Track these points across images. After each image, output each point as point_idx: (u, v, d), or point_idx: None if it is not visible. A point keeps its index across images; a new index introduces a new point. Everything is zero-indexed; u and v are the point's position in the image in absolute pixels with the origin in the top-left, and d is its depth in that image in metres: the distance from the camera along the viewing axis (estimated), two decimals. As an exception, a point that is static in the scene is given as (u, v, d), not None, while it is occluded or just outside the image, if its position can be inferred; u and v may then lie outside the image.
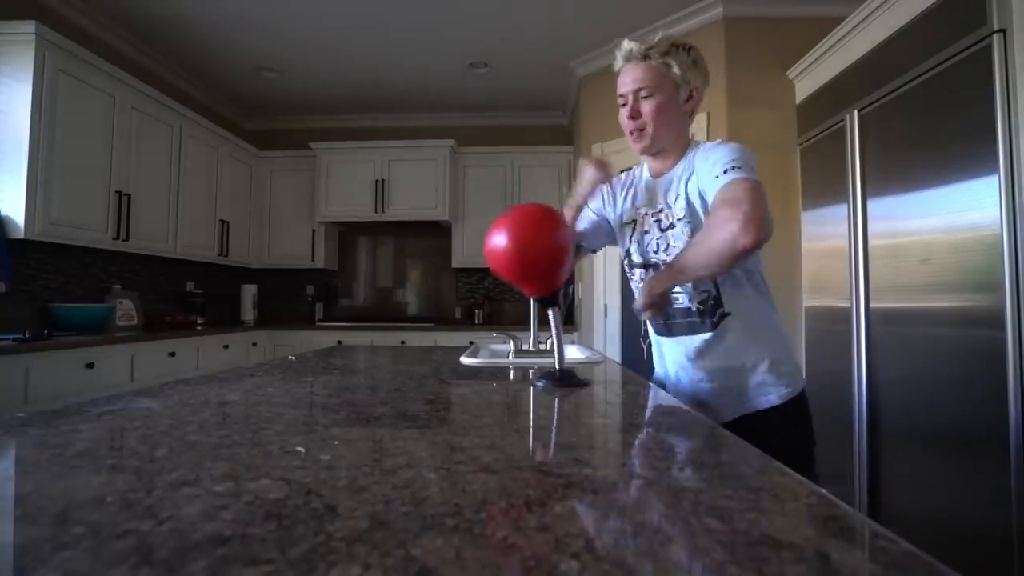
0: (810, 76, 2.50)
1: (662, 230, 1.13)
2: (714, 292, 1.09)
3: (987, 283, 1.47)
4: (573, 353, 1.70)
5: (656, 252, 1.15)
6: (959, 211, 1.57)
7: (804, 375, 1.16)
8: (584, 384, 1.02)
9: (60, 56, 2.50)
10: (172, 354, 2.94)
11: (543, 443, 0.64)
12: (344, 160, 4.26)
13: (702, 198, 1.04)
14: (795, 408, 1.09)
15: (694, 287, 1.10)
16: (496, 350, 1.83)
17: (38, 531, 0.35)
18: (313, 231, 4.36)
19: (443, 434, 0.66)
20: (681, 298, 1.12)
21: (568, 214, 1.26)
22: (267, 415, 0.74)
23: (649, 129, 1.07)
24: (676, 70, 1.06)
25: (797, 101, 2.64)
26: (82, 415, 0.71)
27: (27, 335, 2.21)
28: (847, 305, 2.09)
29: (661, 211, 1.14)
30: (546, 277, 1.00)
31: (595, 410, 0.86)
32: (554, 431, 0.72)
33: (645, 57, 1.06)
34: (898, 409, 1.84)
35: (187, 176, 3.47)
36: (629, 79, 1.07)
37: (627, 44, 1.08)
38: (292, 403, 0.83)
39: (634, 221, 1.21)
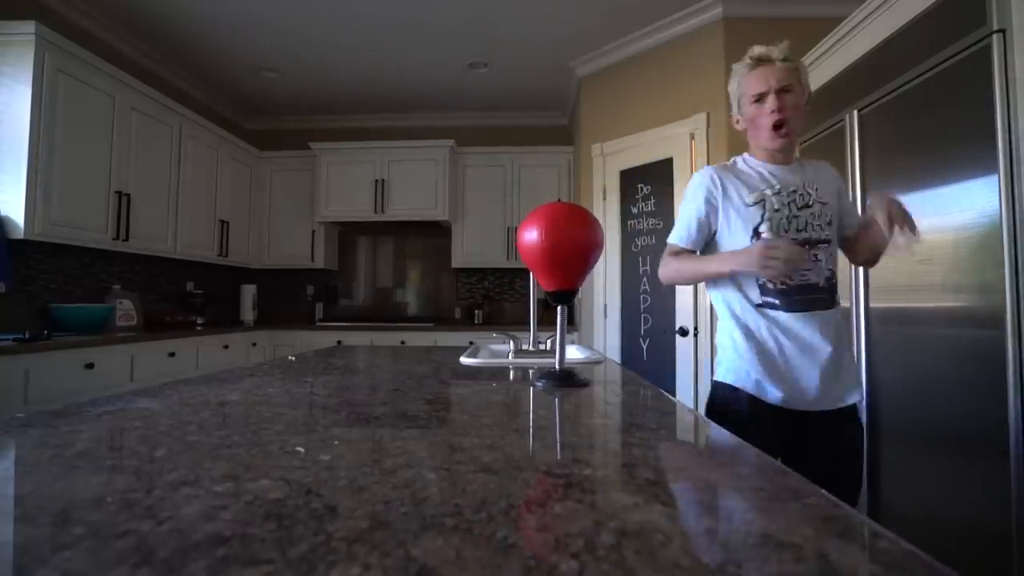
0: (810, 76, 2.50)
1: (799, 208, 1.22)
2: (833, 279, 1.22)
3: (987, 283, 1.47)
4: (573, 353, 1.70)
5: (788, 229, 1.23)
6: (959, 211, 1.57)
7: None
8: (584, 384, 1.02)
9: (60, 56, 2.50)
10: (172, 354, 2.94)
11: (543, 443, 0.64)
12: (344, 160, 4.26)
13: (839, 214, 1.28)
14: (858, 409, 1.25)
15: (825, 263, 1.21)
16: (496, 350, 1.83)
17: (38, 531, 0.35)
18: (313, 231, 4.36)
19: (443, 434, 0.66)
20: (808, 275, 1.20)
21: (705, 268, 1.30)
22: (267, 415, 0.74)
23: (792, 122, 1.19)
24: (804, 72, 1.22)
25: (797, 101, 2.64)
26: (82, 415, 0.71)
27: (27, 335, 2.21)
28: (847, 305, 2.08)
29: (795, 192, 1.24)
30: (572, 272, 1.04)
31: (595, 410, 0.86)
32: (554, 431, 0.72)
33: (785, 59, 1.18)
34: (898, 409, 1.84)
35: (187, 176, 3.47)
36: (772, 78, 1.17)
37: (762, 48, 1.20)
38: (292, 403, 0.83)
39: (762, 200, 1.26)
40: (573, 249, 1.01)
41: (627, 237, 3.32)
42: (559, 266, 1.02)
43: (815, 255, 1.20)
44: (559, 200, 1.13)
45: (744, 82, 1.23)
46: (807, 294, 1.21)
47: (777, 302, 1.22)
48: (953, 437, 1.58)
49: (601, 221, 3.34)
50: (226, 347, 3.49)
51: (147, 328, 3.14)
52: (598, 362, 1.47)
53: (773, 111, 1.17)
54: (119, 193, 2.87)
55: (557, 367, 1.05)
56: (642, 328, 3.23)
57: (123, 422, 0.68)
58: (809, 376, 1.18)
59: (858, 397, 1.22)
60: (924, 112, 1.71)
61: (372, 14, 3.08)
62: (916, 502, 1.74)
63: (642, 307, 3.19)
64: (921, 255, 1.72)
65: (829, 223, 1.23)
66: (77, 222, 2.63)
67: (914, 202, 1.75)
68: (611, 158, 3.44)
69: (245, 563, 0.31)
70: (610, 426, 0.77)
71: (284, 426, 0.67)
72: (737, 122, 1.31)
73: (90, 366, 2.37)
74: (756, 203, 1.26)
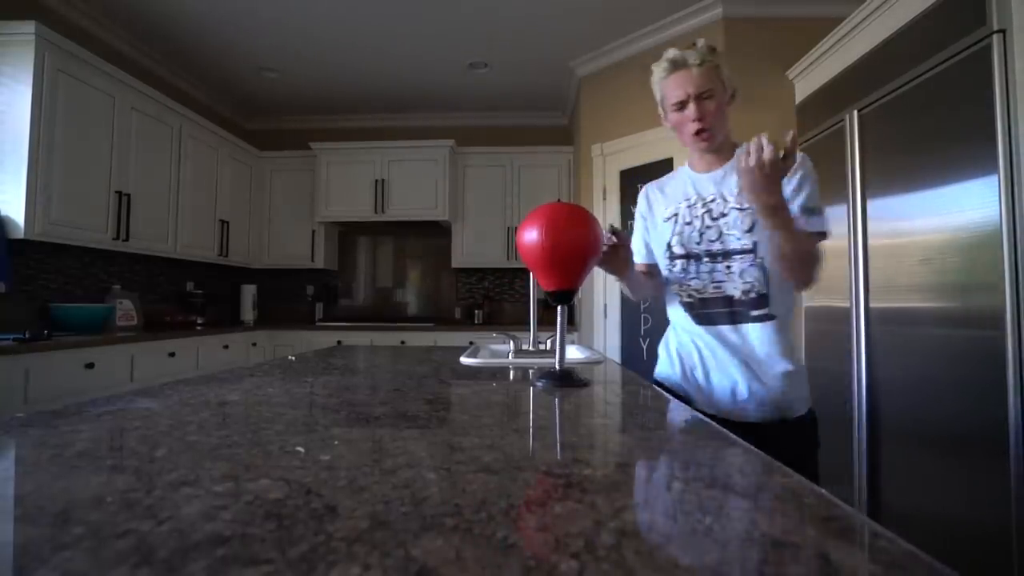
0: (810, 76, 2.50)
1: (713, 219, 1.18)
2: (763, 289, 1.13)
3: (987, 283, 1.47)
4: (573, 353, 1.70)
5: (699, 242, 1.19)
6: (959, 211, 1.57)
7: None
8: (584, 384, 1.02)
9: (60, 56, 2.50)
10: (172, 354, 2.94)
11: (543, 443, 0.64)
12: (344, 160, 4.26)
13: None
14: (812, 420, 1.16)
15: (741, 276, 1.14)
16: (496, 350, 1.83)
17: (38, 531, 0.35)
18: (313, 231, 4.36)
19: (443, 434, 0.66)
20: (725, 286, 1.16)
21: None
22: (267, 415, 0.74)
23: (715, 128, 1.15)
24: (725, 71, 1.15)
25: (797, 101, 2.64)
26: (82, 415, 0.71)
27: (27, 335, 2.21)
28: (847, 305, 2.09)
29: (712, 201, 1.19)
30: (572, 272, 1.03)
31: (595, 410, 0.86)
32: (554, 431, 0.72)
33: (701, 63, 1.12)
34: (898, 409, 1.84)
35: (187, 176, 3.47)
36: (690, 85, 1.12)
37: (677, 53, 1.14)
38: (292, 403, 0.83)
39: (675, 215, 1.25)
40: (573, 249, 1.01)
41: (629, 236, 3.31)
42: (559, 266, 1.02)
43: (727, 266, 1.15)
44: (559, 200, 1.13)
45: (663, 87, 1.18)
46: (715, 307, 1.17)
47: (690, 314, 1.22)
48: (953, 437, 1.58)
49: (601, 221, 3.34)
50: (226, 347, 3.49)
51: (147, 328, 3.14)
52: (598, 362, 1.47)
53: (694, 120, 1.14)
54: (119, 193, 2.87)
55: (557, 367, 1.05)
56: (642, 328, 3.23)
57: (123, 422, 0.68)
58: (720, 390, 1.16)
59: (771, 416, 1.11)
60: (924, 112, 1.71)
61: (372, 14, 3.08)
62: (916, 502, 1.74)
63: (642, 307, 3.19)
64: (921, 255, 1.72)
65: (751, 229, 1.13)
66: (77, 222, 2.63)
67: (914, 202, 1.76)
68: (611, 158, 3.44)
69: (245, 563, 0.31)
70: (610, 426, 0.77)
71: (284, 426, 0.67)
72: (667, 121, 1.24)
73: (90, 366, 2.37)
74: (669, 218, 1.26)
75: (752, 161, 0.97)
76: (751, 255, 1.13)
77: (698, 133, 1.15)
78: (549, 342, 1.69)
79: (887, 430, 1.89)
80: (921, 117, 1.73)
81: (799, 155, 1.10)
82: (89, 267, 3.05)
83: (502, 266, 4.34)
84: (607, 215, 3.40)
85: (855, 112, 2.06)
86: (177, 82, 3.85)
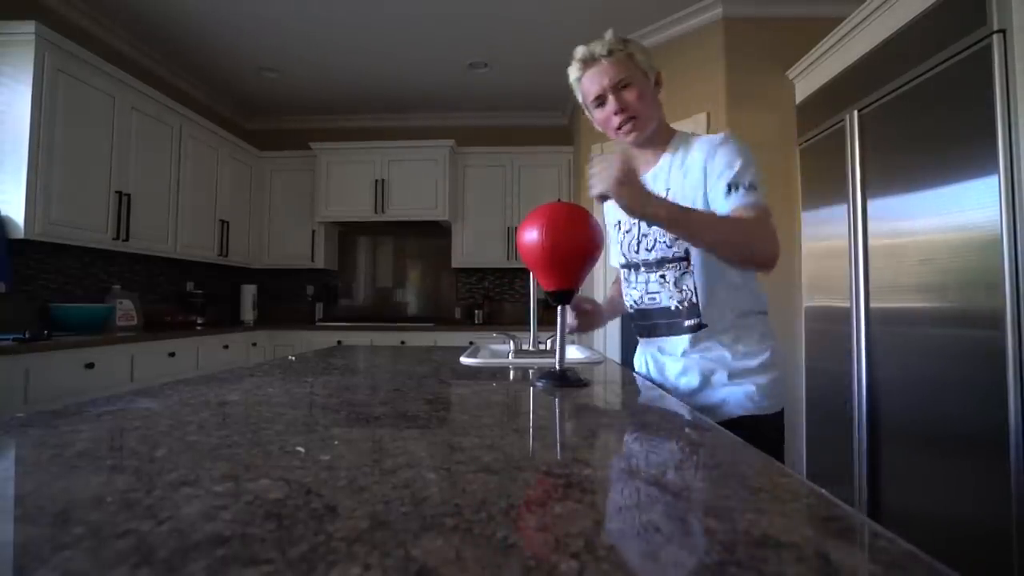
0: (810, 76, 2.50)
1: (649, 226, 1.11)
2: (693, 298, 1.08)
3: (987, 283, 1.47)
4: (573, 353, 1.70)
5: (638, 251, 1.16)
6: (959, 211, 1.57)
7: (786, 397, 1.13)
8: (584, 384, 1.02)
9: (60, 56, 2.50)
10: (172, 354, 2.94)
11: (543, 443, 0.64)
12: (344, 160, 4.26)
13: (703, 196, 1.04)
14: (763, 426, 1.05)
15: (675, 285, 1.09)
16: (496, 350, 1.83)
17: (38, 531, 0.35)
18: (313, 231, 4.36)
19: (443, 434, 0.66)
20: (660, 297, 1.13)
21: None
22: (267, 415, 0.74)
23: (640, 116, 1.08)
24: (640, 57, 1.08)
25: (797, 101, 2.64)
26: (82, 415, 0.71)
27: (27, 335, 2.21)
28: (847, 305, 2.09)
29: None
30: (572, 272, 1.03)
31: (595, 410, 0.86)
32: (554, 431, 0.72)
33: (610, 52, 1.06)
34: (898, 409, 1.84)
35: (187, 176, 3.47)
36: (604, 77, 1.06)
37: (584, 49, 1.08)
38: (292, 403, 0.83)
39: (619, 221, 1.21)
40: (573, 249, 1.01)
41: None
42: (559, 266, 1.02)
43: (662, 275, 1.11)
44: (559, 200, 1.13)
45: (580, 88, 1.12)
46: (652, 319, 1.15)
47: (633, 325, 1.21)
48: (953, 437, 1.58)
49: (601, 221, 3.33)
50: (226, 347, 3.49)
51: (147, 328, 3.14)
52: (598, 362, 1.47)
53: (615, 112, 1.07)
54: (119, 193, 2.87)
55: (557, 367, 1.05)
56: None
57: (123, 422, 0.68)
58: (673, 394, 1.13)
59: (729, 416, 1.06)
60: (924, 112, 1.71)
61: (372, 14, 3.08)
62: (916, 502, 1.74)
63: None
64: (921, 255, 1.72)
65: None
66: (77, 222, 2.63)
67: (914, 202, 1.76)
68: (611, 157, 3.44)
69: (245, 563, 0.31)
70: (610, 426, 0.77)
71: (284, 426, 0.67)
72: (595, 123, 1.18)
73: (90, 366, 2.37)
74: (615, 225, 1.23)
75: (595, 176, 0.92)
76: (684, 262, 1.08)
77: (622, 126, 1.09)
78: (549, 342, 1.69)
79: (887, 430, 1.89)
80: (921, 117, 1.73)
81: (722, 133, 1.06)
82: (89, 267, 3.05)
83: (502, 266, 4.34)
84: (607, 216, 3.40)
85: (855, 112, 2.06)
86: (177, 82, 3.85)
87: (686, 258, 1.08)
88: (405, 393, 0.94)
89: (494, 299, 4.62)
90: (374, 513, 0.39)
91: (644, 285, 1.15)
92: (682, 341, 1.10)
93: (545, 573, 0.30)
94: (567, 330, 1.15)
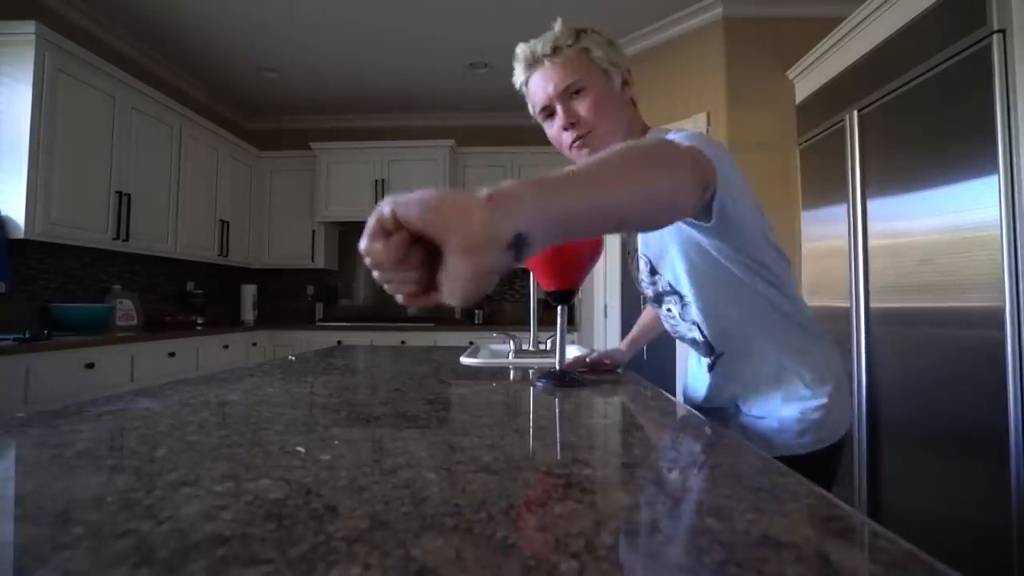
0: (810, 76, 2.50)
1: (631, 259, 0.99)
2: (704, 331, 0.94)
3: (987, 283, 1.47)
4: (573, 353, 1.70)
5: (646, 276, 0.99)
6: (959, 211, 1.57)
7: (844, 422, 0.96)
8: (583, 384, 1.02)
9: (60, 56, 2.50)
10: (172, 354, 2.94)
11: (543, 443, 0.64)
12: (344, 160, 4.26)
13: None
14: (810, 464, 0.87)
15: (682, 317, 0.93)
16: (496, 350, 1.83)
17: (38, 531, 0.35)
18: (313, 231, 4.36)
19: (443, 434, 0.66)
20: (681, 329, 0.99)
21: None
22: (267, 415, 0.74)
23: (596, 130, 0.86)
24: (598, 52, 0.87)
25: (797, 101, 2.64)
26: (82, 415, 0.71)
27: (27, 335, 2.21)
28: (847, 305, 2.09)
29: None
30: (572, 272, 1.02)
31: (595, 410, 0.86)
32: (554, 431, 0.72)
33: (555, 50, 0.86)
34: (898, 409, 1.84)
35: (187, 176, 3.47)
36: (548, 84, 0.86)
37: (524, 48, 0.89)
38: (292, 403, 0.83)
39: (634, 250, 1.05)
40: (573, 249, 1.01)
41: (629, 240, 3.32)
42: (559, 266, 1.02)
43: (668, 309, 0.98)
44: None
45: (527, 96, 0.92)
46: (690, 345, 1.03)
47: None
48: (953, 437, 1.58)
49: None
50: (226, 347, 3.49)
51: (147, 328, 3.14)
52: (598, 362, 1.47)
53: (564, 127, 0.87)
54: (119, 193, 2.87)
55: (557, 367, 1.05)
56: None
57: (123, 422, 0.68)
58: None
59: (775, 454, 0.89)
60: (924, 112, 1.71)
61: (372, 14, 3.08)
62: (916, 502, 1.74)
63: (642, 307, 3.19)
64: (921, 255, 1.72)
65: (652, 271, 0.95)
66: (77, 222, 2.63)
67: (914, 202, 1.76)
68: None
69: (245, 563, 0.31)
70: (610, 426, 0.77)
71: (284, 426, 0.67)
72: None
73: (90, 366, 2.37)
74: (631, 252, 1.06)
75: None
76: (675, 295, 0.93)
77: (573, 143, 0.87)
78: (549, 342, 1.69)
79: (887, 430, 1.89)
80: (921, 117, 1.73)
81: (687, 131, 0.79)
82: (89, 267, 3.05)
83: (502, 266, 4.34)
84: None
85: (855, 112, 2.06)
86: (177, 82, 3.85)
87: (675, 292, 0.92)
88: (405, 393, 0.94)
89: (494, 299, 4.62)
90: (374, 513, 0.39)
91: (665, 318, 1.03)
92: (713, 376, 0.98)
93: (545, 573, 0.30)
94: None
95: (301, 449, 0.56)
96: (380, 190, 4.20)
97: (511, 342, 1.64)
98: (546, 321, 4.13)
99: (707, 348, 0.96)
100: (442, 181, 4.17)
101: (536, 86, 0.88)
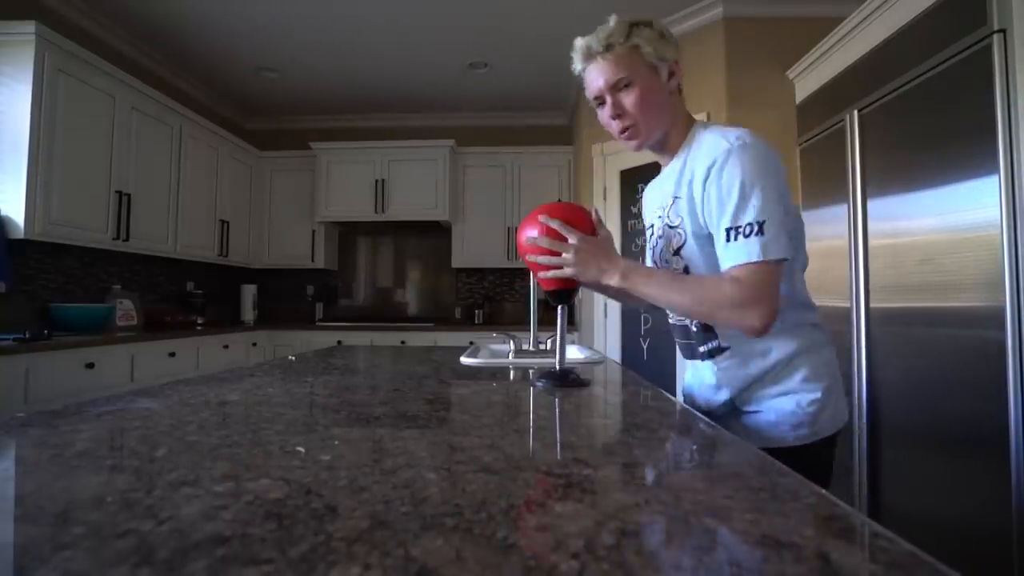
0: (810, 76, 2.50)
1: (671, 227, 1.00)
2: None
3: (987, 283, 1.47)
4: (573, 353, 1.70)
5: (662, 257, 1.05)
6: (959, 211, 1.57)
7: (839, 417, 0.97)
8: (584, 384, 1.02)
9: (60, 56, 2.50)
10: (172, 354, 2.94)
11: (543, 443, 0.64)
12: (344, 160, 4.26)
13: (700, 223, 0.93)
14: (805, 455, 0.91)
15: None
16: (496, 350, 1.83)
17: (38, 531, 0.35)
18: (313, 231, 4.36)
19: (443, 434, 0.66)
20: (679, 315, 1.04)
21: None
22: (267, 415, 0.74)
23: (640, 123, 0.96)
24: (647, 48, 0.94)
25: (797, 101, 2.64)
26: (82, 415, 0.71)
27: (27, 335, 2.21)
28: (847, 305, 2.08)
29: (665, 209, 1.03)
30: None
31: (595, 410, 0.86)
32: (554, 431, 0.72)
33: (608, 47, 0.94)
34: (898, 409, 1.84)
35: (187, 176, 3.47)
36: (600, 77, 0.96)
37: (581, 42, 0.97)
38: (292, 403, 0.83)
39: (652, 226, 1.12)
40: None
41: (628, 237, 3.32)
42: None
43: None
44: (559, 200, 1.13)
45: (584, 83, 1.01)
46: (682, 338, 1.06)
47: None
48: (953, 437, 1.58)
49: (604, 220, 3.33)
50: (226, 347, 3.49)
51: (147, 328, 3.14)
52: (598, 362, 1.47)
53: (612, 117, 0.98)
54: (119, 193, 2.87)
55: (557, 367, 1.05)
56: (642, 328, 3.23)
57: (123, 422, 0.68)
58: (702, 400, 1.06)
59: (771, 445, 0.93)
60: (924, 112, 1.71)
61: (373, 14, 3.08)
62: (916, 502, 1.74)
63: (642, 307, 3.19)
64: (921, 255, 1.72)
65: (678, 251, 0.98)
66: (77, 222, 2.63)
67: (914, 202, 1.76)
68: (611, 158, 3.44)
69: (245, 563, 0.31)
70: (610, 426, 0.77)
71: (284, 426, 0.67)
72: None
73: (90, 366, 2.37)
74: (649, 227, 1.14)
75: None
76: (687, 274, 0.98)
77: (622, 132, 0.99)
78: (549, 342, 1.69)
79: (887, 430, 1.89)
80: (921, 117, 1.73)
81: (726, 143, 0.89)
82: (89, 267, 3.05)
83: (502, 266, 4.34)
84: (607, 215, 3.40)
85: (855, 112, 2.06)
86: (177, 82, 3.85)
87: (686, 269, 0.98)
88: (405, 393, 0.94)
89: (494, 299, 4.62)
90: (374, 513, 0.39)
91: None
92: (705, 366, 1.02)
93: (545, 573, 0.30)
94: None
95: (301, 449, 0.56)
96: (380, 190, 4.20)
97: (511, 342, 1.64)
98: (546, 321, 4.12)
99: (704, 338, 1.00)
100: (442, 181, 4.18)
101: (590, 78, 0.99)
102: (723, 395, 1.00)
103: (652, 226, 1.12)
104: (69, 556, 0.32)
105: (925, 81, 1.70)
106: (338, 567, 0.30)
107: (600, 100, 0.99)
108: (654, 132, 0.99)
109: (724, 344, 0.98)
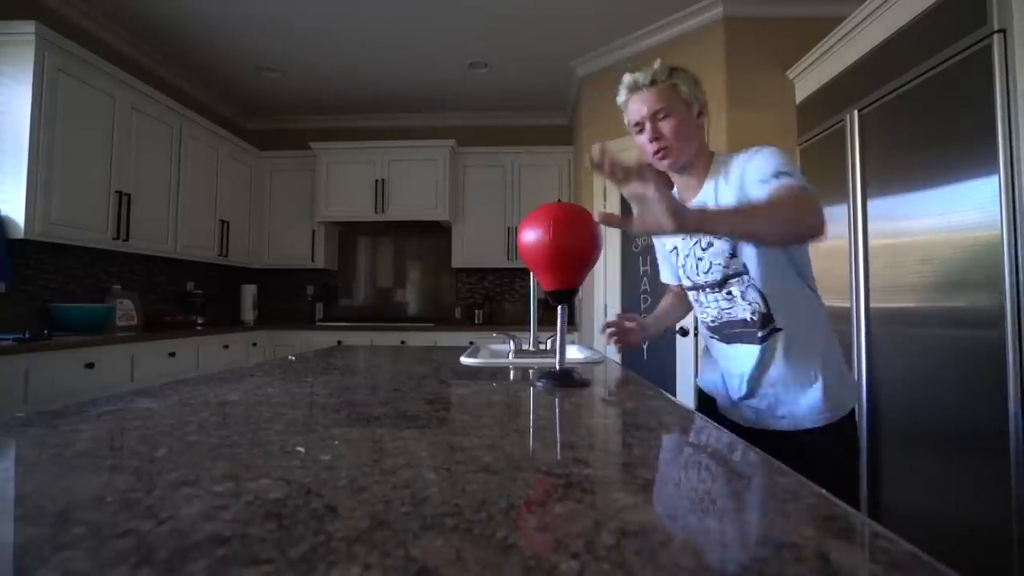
0: (810, 76, 2.50)
1: (703, 249, 1.16)
2: (762, 308, 1.11)
3: (987, 283, 1.47)
4: (573, 353, 1.70)
5: (698, 275, 1.19)
6: (959, 211, 1.57)
7: (856, 393, 1.14)
8: (585, 384, 1.02)
9: (60, 56, 2.50)
10: (172, 354, 2.94)
11: (543, 443, 0.64)
12: (344, 160, 4.26)
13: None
14: (838, 431, 1.10)
15: (743, 297, 1.12)
16: (496, 350, 1.83)
17: (38, 531, 0.35)
18: (313, 231, 4.36)
19: (443, 434, 0.66)
20: (735, 311, 1.15)
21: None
22: (267, 415, 0.74)
23: (673, 146, 1.12)
24: (684, 88, 1.13)
25: (797, 101, 2.64)
26: (82, 415, 0.71)
27: (27, 335, 2.21)
28: (847, 305, 2.08)
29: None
30: (574, 272, 1.04)
31: (595, 410, 0.86)
32: (554, 431, 0.72)
33: (653, 83, 1.11)
34: (898, 409, 1.84)
35: (187, 176, 3.47)
36: (644, 106, 1.12)
37: (629, 77, 1.13)
38: (292, 403, 0.83)
39: (676, 248, 1.25)
40: (575, 249, 1.02)
41: (627, 237, 3.32)
42: (560, 266, 1.02)
43: (728, 292, 1.15)
44: (559, 200, 1.14)
45: (625, 111, 1.17)
46: (732, 328, 1.18)
47: (716, 336, 1.23)
48: (953, 437, 1.58)
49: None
50: (226, 347, 3.49)
51: (147, 328, 3.14)
52: (598, 362, 1.47)
53: (650, 141, 1.13)
54: (119, 193, 2.87)
55: (557, 367, 1.05)
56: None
57: (123, 422, 0.68)
58: (737, 392, 1.18)
59: (787, 425, 1.11)
60: (924, 112, 1.71)
61: (372, 14, 3.08)
62: (916, 502, 1.74)
63: (642, 307, 3.19)
64: (921, 255, 1.72)
65: (733, 254, 1.11)
66: (77, 222, 2.63)
67: (914, 202, 1.76)
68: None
69: (245, 563, 0.31)
70: (610, 426, 0.77)
71: (284, 426, 0.67)
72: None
73: (90, 366, 2.37)
74: (671, 251, 1.28)
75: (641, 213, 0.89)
76: (745, 276, 1.12)
77: (656, 153, 1.14)
78: (549, 342, 1.69)
79: (887, 430, 1.89)
80: (921, 117, 1.73)
81: (753, 148, 1.08)
82: (89, 267, 3.05)
83: (502, 266, 4.34)
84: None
85: (855, 112, 2.06)
86: (177, 82, 3.85)
87: (745, 272, 1.11)
88: (405, 393, 0.94)
89: (494, 299, 4.62)
90: (374, 513, 0.39)
91: (716, 303, 1.18)
92: (761, 349, 1.12)
93: (545, 573, 0.30)
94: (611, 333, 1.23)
95: (301, 449, 0.56)
96: (380, 190, 4.20)
97: (511, 342, 1.64)
98: (546, 321, 4.13)
99: (762, 324, 1.12)
100: (442, 181, 4.18)
101: (633, 107, 1.14)
102: (768, 375, 1.12)
103: (676, 248, 1.25)
104: (69, 556, 0.32)
105: (925, 81, 1.70)
106: (338, 567, 0.30)
107: (640, 127, 1.14)
108: (683, 155, 1.14)
109: (778, 326, 1.11)
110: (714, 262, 1.14)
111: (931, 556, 0.32)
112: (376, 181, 4.22)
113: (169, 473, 0.48)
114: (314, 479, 0.46)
